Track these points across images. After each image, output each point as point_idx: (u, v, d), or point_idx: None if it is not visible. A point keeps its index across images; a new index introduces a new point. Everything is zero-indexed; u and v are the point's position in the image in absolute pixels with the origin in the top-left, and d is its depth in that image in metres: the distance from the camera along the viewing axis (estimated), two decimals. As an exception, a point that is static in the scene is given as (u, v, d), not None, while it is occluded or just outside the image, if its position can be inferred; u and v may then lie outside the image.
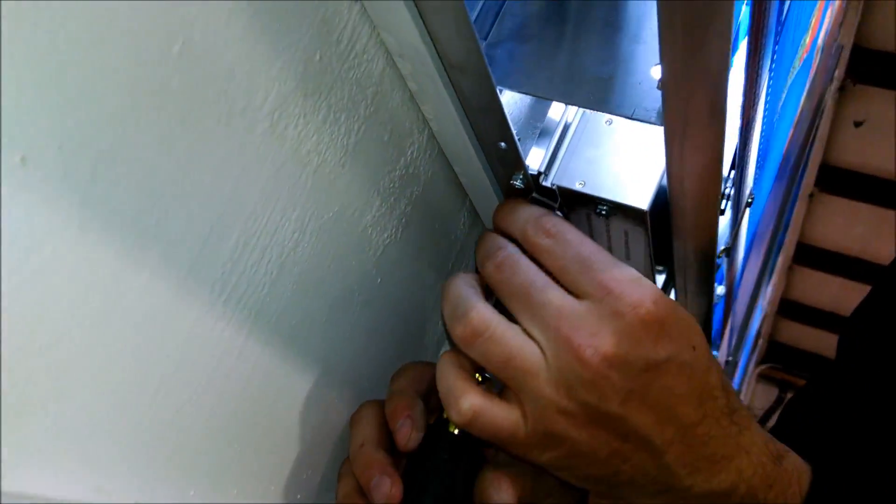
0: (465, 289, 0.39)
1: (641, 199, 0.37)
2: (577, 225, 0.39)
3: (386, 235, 0.42)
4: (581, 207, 0.40)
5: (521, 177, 0.40)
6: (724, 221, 0.49)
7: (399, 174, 0.41)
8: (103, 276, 0.25)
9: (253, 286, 0.33)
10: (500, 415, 0.37)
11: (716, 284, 0.59)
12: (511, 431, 0.37)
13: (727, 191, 0.41)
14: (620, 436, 0.36)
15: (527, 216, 0.39)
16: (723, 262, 0.56)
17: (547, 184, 0.39)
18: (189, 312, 0.30)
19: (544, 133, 0.40)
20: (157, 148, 0.26)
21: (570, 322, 0.35)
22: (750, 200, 0.50)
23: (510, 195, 0.41)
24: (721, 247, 0.51)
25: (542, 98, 0.39)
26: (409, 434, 0.40)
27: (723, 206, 0.42)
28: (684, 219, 0.40)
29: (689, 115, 0.30)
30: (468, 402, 0.37)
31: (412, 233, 0.44)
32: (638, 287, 0.35)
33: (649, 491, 0.38)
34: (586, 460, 0.37)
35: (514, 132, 0.36)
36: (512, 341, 0.37)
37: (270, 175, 0.31)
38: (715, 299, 0.61)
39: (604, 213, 0.39)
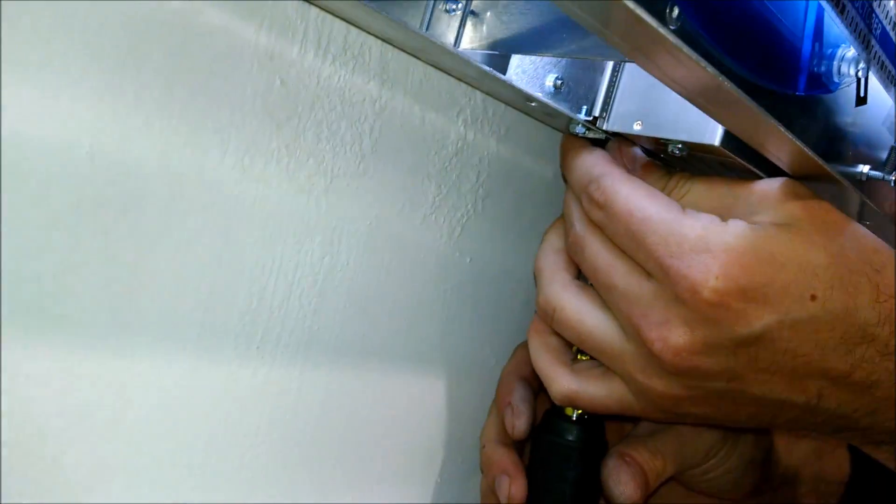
0: (547, 260, 0.36)
1: (710, 132, 0.29)
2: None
3: (460, 214, 0.38)
4: (652, 148, 0.33)
5: (578, 125, 0.34)
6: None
7: (454, 148, 0.37)
8: (115, 383, 0.26)
9: (290, 324, 0.32)
10: (600, 393, 0.34)
11: None
12: (621, 406, 0.34)
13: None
14: (751, 401, 0.32)
15: (581, 181, 0.33)
16: None
17: (605, 128, 0.32)
18: (220, 375, 0.30)
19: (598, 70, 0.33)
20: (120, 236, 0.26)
21: (638, 308, 0.31)
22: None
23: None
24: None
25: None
26: (512, 423, 0.38)
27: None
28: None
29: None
30: (561, 386, 0.34)
31: (494, 201, 0.40)
32: (699, 261, 0.29)
33: (827, 430, 0.34)
34: (727, 419, 0.34)
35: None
36: (587, 321, 0.33)
37: (263, 218, 0.30)
38: None
39: (677, 152, 0.31)
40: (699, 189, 0.33)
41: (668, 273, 0.29)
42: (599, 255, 0.32)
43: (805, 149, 0.29)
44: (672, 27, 0.23)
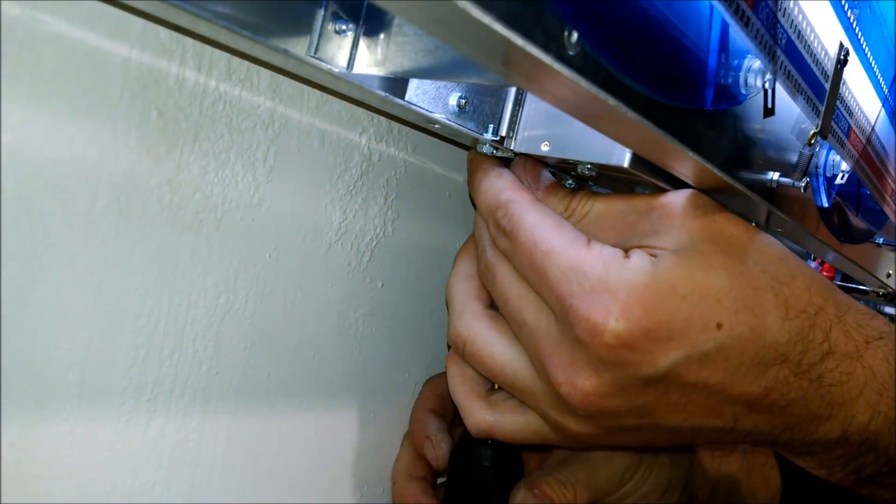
0: (458, 288, 0.34)
1: (619, 154, 0.28)
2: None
3: (368, 239, 0.36)
4: (561, 170, 0.32)
5: (485, 144, 0.32)
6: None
7: (359, 171, 0.35)
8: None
9: (184, 371, 0.30)
10: (516, 426, 0.33)
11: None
12: (538, 438, 0.33)
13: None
14: (667, 430, 0.31)
15: (488, 205, 0.31)
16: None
17: (512, 147, 0.31)
18: (106, 435, 0.27)
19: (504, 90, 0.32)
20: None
21: (546, 347, 0.30)
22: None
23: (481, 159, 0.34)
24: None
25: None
26: (435, 455, 0.36)
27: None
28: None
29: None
30: (477, 419, 0.33)
31: (405, 222, 0.38)
32: (599, 301, 0.27)
33: (747, 443, 0.34)
34: (645, 445, 0.33)
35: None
36: (497, 356, 0.32)
37: (146, 262, 0.27)
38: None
39: (586, 172, 0.30)
40: (600, 208, 0.31)
41: (569, 313, 0.28)
42: (509, 286, 0.31)
43: (711, 167, 0.28)
44: (571, 52, 0.21)
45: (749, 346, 0.29)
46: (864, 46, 0.42)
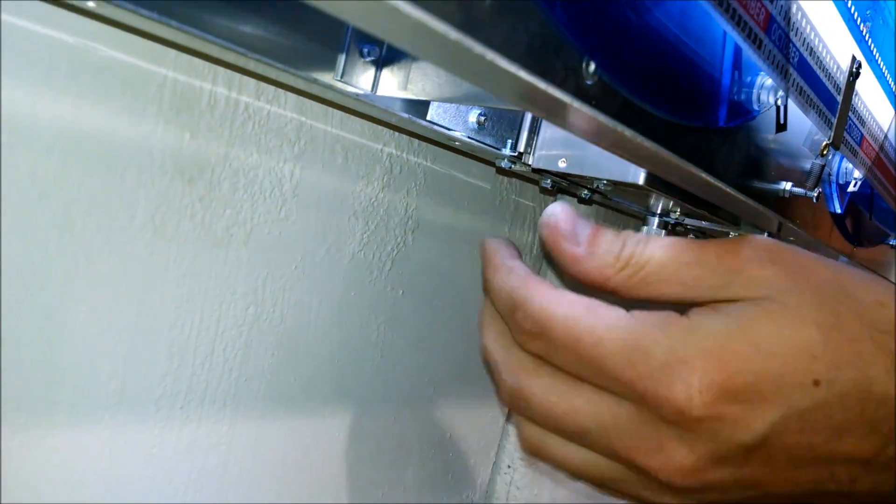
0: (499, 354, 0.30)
1: (634, 172, 0.29)
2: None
3: (389, 249, 0.37)
4: (576, 183, 0.33)
5: (504, 159, 0.33)
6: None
7: (380, 184, 0.36)
8: (29, 463, 0.25)
9: (215, 379, 0.31)
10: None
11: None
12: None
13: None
14: (778, 498, 0.28)
15: (505, 308, 0.28)
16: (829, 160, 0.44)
17: (530, 163, 0.32)
18: (143, 440, 0.29)
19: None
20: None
21: (624, 441, 0.27)
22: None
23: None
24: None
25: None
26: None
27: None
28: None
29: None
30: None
31: (425, 232, 0.39)
32: (676, 377, 0.25)
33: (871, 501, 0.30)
34: None
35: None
36: (572, 460, 0.29)
37: (180, 277, 0.28)
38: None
39: (602, 187, 0.31)
40: (661, 259, 0.27)
41: (646, 397, 0.25)
42: (552, 400, 0.27)
43: (723, 186, 0.29)
44: (589, 82, 0.22)
45: (854, 401, 0.26)
46: (876, 57, 0.42)
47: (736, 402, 0.25)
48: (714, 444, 0.25)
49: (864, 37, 0.39)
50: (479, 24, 0.17)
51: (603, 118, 0.20)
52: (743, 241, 0.28)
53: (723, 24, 0.25)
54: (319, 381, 0.36)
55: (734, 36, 0.26)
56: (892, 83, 0.47)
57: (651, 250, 0.27)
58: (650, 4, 0.24)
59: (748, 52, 0.27)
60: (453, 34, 0.14)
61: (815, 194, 0.38)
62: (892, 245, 0.69)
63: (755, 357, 0.25)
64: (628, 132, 0.21)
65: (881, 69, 0.44)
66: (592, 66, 0.22)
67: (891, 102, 0.48)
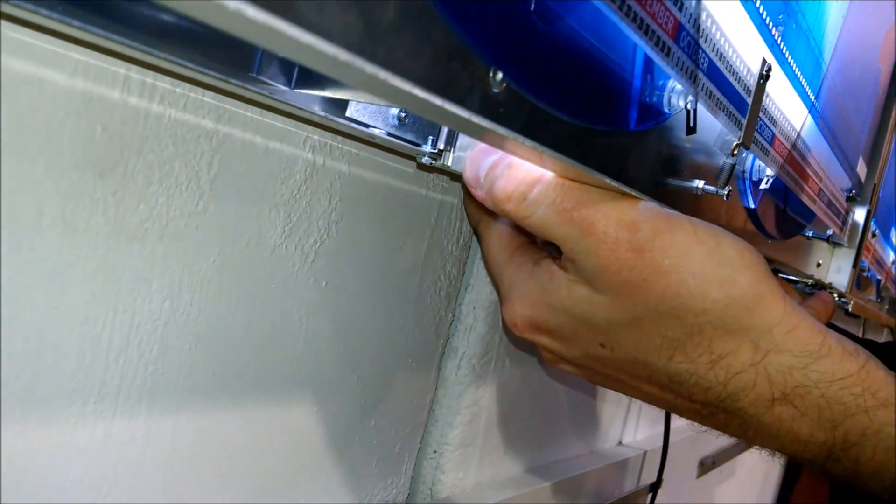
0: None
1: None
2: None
3: (312, 241, 0.38)
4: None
5: (424, 156, 0.34)
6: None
7: (302, 176, 0.36)
8: None
9: (130, 373, 0.31)
10: None
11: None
12: None
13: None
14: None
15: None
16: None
17: (448, 163, 0.33)
18: (55, 437, 0.28)
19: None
20: None
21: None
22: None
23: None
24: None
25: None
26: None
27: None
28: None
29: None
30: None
31: (349, 223, 0.39)
32: (507, 305, 0.36)
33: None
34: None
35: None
36: None
37: (91, 272, 0.28)
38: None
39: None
40: (540, 217, 0.34)
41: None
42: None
43: (630, 190, 0.30)
44: (496, 90, 0.23)
45: (631, 364, 0.34)
46: (789, 59, 0.44)
47: (545, 335, 0.35)
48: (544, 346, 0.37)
49: (776, 40, 0.41)
50: (378, 39, 0.17)
51: (503, 131, 0.21)
52: (601, 211, 0.31)
53: (630, 33, 0.26)
54: (239, 374, 0.36)
55: (642, 45, 0.27)
56: (806, 84, 0.49)
57: (533, 201, 0.32)
58: (559, 12, 0.24)
59: (657, 60, 0.28)
60: (343, 56, 0.15)
61: (726, 192, 0.39)
62: (808, 236, 0.72)
63: (559, 316, 0.34)
64: (528, 142, 0.22)
65: (794, 70, 0.46)
66: (500, 75, 0.23)
67: (804, 102, 0.50)
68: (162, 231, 0.30)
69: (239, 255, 0.34)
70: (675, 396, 0.34)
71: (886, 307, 1.87)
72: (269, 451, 0.38)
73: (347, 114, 0.30)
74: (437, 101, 0.18)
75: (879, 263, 1.28)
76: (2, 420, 0.26)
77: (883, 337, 2.64)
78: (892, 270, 1.47)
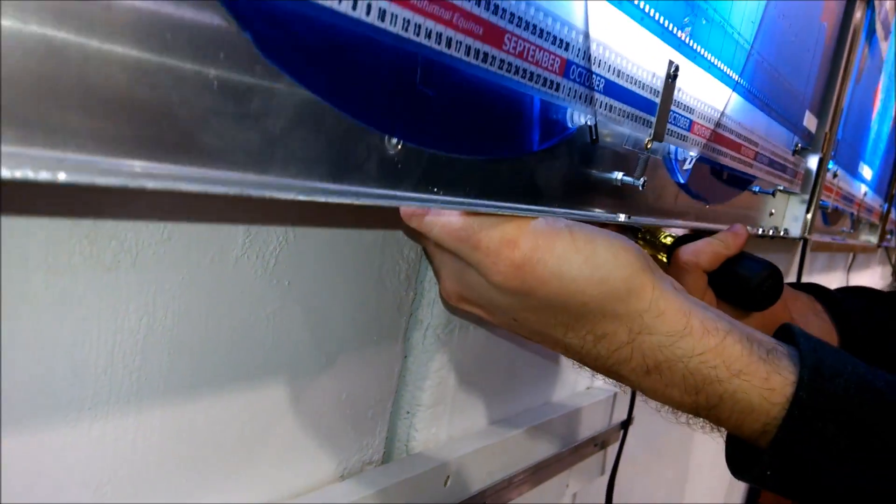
0: None
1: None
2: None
3: (272, 247, 0.42)
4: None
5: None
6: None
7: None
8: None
9: (118, 380, 0.36)
10: None
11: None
12: None
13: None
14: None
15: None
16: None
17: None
18: (56, 439, 0.34)
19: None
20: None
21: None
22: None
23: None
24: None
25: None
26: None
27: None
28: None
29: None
30: None
31: (308, 225, 0.44)
32: (441, 284, 0.44)
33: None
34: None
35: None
36: None
37: (76, 302, 0.33)
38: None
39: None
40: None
41: None
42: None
43: (542, 210, 0.34)
44: (392, 152, 0.27)
45: (538, 336, 0.42)
46: (703, 53, 0.48)
47: (471, 304, 0.43)
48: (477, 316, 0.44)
49: (685, 40, 0.45)
50: (274, 158, 0.22)
51: (384, 202, 0.25)
52: (485, 231, 0.37)
53: (516, 85, 0.30)
54: (216, 370, 0.41)
55: (529, 91, 0.31)
56: (726, 68, 0.53)
57: (428, 222, 0.38)
58: (443, 79, 0.28)
59: (546, 98, 0.32)
60: (235, 190, 0.19)
61: (641, 182, 0.44)
62: (754, 192, 0.77)
63: (476, 292, 0.40)
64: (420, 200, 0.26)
65: (709, 60, 0.50)
66: (395, 140, 0.27)
67: (726, 84, 0.54)
68: (134, 261, 0.35)
69: (205, 272, 0.39)
70: (582, 358, 0.41)
71: (865, 232, 1.92)
72: (252, 433, 0.44)
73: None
74: (332, 186, 0.23)
75: (848, 199, 1.33)
76: (2, 428, 0.32)
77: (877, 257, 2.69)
78: (865, 201, 1.52)
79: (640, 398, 0.94)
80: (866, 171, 1.46)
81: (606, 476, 0.92)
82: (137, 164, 0.18)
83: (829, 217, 1.28)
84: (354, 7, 0.22)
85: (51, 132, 0.17)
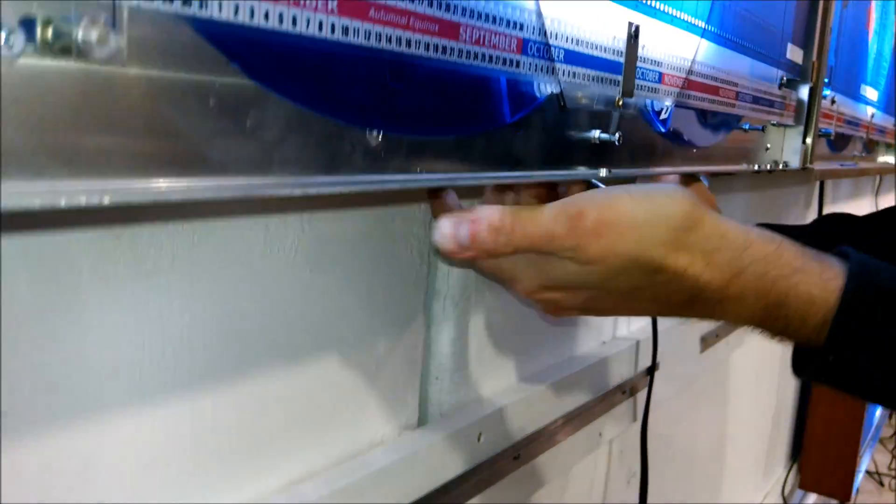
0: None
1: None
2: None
3: (290, 241, 0.47)
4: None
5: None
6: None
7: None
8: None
9: (170, 371, 0.41)
10: None
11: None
12: None
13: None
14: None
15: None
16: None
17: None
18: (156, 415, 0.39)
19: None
20: None
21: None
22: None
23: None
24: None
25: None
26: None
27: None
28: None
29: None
30: None
31: (321, 216, 0.49)
32: (515, 281, 0.46)
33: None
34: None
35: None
36: None
37: (126, 308, 0.38)
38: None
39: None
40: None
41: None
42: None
43: (524, 175, 0.39)
44: (373, 144, 0.32)
45: (631, 293, 0.45)
46: (663, 8, 0.51)
47: (553, 291, 0.46)
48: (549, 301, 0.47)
49: (642, 0, 0.48)
50: (273, 162, 0.26)
51: (379, 177, 0.30)
52: (554, 219, 0.42)
53: (475, 70, 0.34)
54: (252, 359, 0.46)
55: (490, 71, 0.35)
56: (690, 18, 0.56)
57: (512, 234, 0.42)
58: (412, 74, 0.33)
59: (509, 75, 0.36)
60: (241, 193, 0.24)
61: (616, 138, 0.48)
62: (745, 129, 0.80)
63: (565, 280, 0.44)
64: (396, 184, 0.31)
65: (671, 14, 0.53)
66: (375, 132, 0.32)
67: (693, 33, 0.57)
68: (171, 265, 0.40)
69: (233, 268, 0.44)
70: (663, 306, 0.46)
71: (882, 153, 1.92)
72: (294, 411, 0.49)
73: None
74: (322, 179, 0.27)
75: (853, 123, 1.34)
76: (77, 419, 0.37)
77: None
78: (874, 123, 1.52)
79: (669, 341, 0.98)
80: (871, 93, 1.47)
81: (639, 423, 0.96)
82: (163, 182, 0.23)
83: (836, 143, 1.29)
84: (320, 29, 0.26)
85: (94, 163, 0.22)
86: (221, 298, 0.43)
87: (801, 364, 0.49)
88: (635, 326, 0.99)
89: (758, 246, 0.44)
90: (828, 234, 0.69)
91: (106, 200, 0.21)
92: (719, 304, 0.45)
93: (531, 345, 0.76)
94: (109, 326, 0.38)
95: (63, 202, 0.20)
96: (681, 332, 1.08)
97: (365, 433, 0.56)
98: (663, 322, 0.94)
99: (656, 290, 0.44)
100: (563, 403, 0.77)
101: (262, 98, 0.26)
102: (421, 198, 0.57)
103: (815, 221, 0.74)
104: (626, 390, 0.90)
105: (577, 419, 0.79)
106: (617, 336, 0.93)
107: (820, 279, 0.44)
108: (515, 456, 0.69)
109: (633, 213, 0.42)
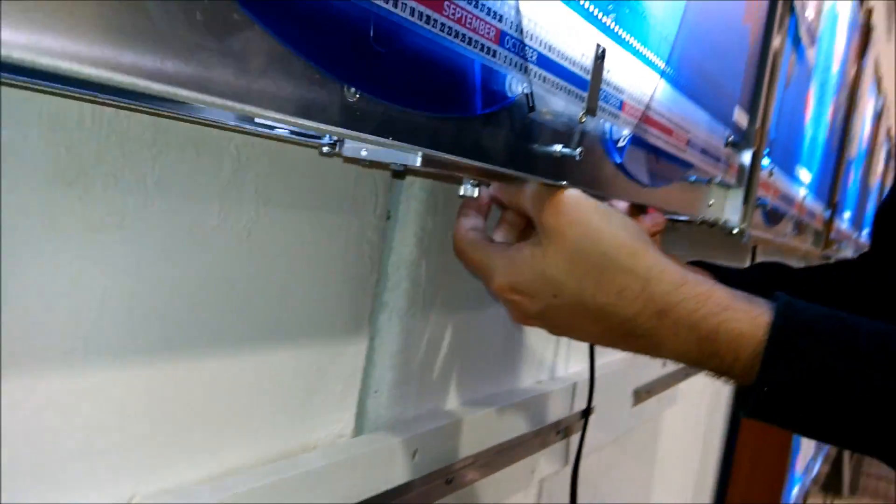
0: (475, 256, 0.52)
1: (412, 157, 0.39)
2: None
3: (245, 221, 0.46)
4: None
5: (323, 147, 0.42)
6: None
7: (231, 169, 0.44)
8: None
9: (105, 333, 0.39)
10: None
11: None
12: None
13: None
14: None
15: None
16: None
17: (343, 153, 0.41)
18: (58, 382, 0.37)
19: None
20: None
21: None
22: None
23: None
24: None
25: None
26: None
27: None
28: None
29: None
30: None
31: (276, 202, 0.48)
32: (488, 278, 0.50)
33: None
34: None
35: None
36: None
37: (70, 260, 0.37)
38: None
39: (399, 168, 0.41)
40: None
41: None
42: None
43: (483, 166, 0.39)
44: (351, 100, 0.32)
45: (576, 308, 0.47)
46: (628, 39, 0.54)
47: (518, 294, 0.49)
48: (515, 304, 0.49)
49: (610, 26, 0.50)
50: (251, 91, 0.26)
51: (360, 134, 0.30)
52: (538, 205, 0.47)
53: (457, 47, 0.35)
54: (190, 337, 0.44)
55: (467, 52, 0.36)
56: (652, 55, 0.59)
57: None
58: (395, 37, 0.33)
59: (485, 61, 0.37)
60: (221, 101, 0.23)
61: (577, 153, 0.49)
62: (690, 181, 0.82)
63: (528, 280, 0.48)
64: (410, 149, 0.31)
65: (635, 47, 0.55)
66: (353, 89, 0.32)
67: (654, 70, 0.60)
68: (120, 223, 0.39)
69: (183, 238, 0.43)
70: (605, 329, 0.49)
71: (811, 239, 2.00)
72: (228, 400, 0.47)
73: (256, 120, 0.39)
74: (303, 121, 0.27)
75: (788, 200, 1.40)
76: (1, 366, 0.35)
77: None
78: (805, 205, 1.60)
79: (604, 388, 0.99)
80: (804, 175, 1.54)
81: (570, 467, 0.95)
82: (140, 82, 0.22)
83: (770, 216, 1.35)
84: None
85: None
86: (164, 268, 0.42)
87: (741, 402, 0.50)
88: (573, 370, 0.99)
89: (691, 285, 0.47)
90: (761, 281, 0.71)
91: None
92: (655, 336, 0.47)
93: (474, 371, 0.76)
94: (48, 277, 0.36)
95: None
96: (615, 381, 1.09)
97: (298, 436, 0.55)
98: (600, 369, 0.95)
99: (599, 308, 0.47)
100: (500, 432, 0.76)
101: (248, 25, 0.26)
102: (381, 189, 0.57)
103: (751, 267, 0.77)
104: (561, 430, 0.90)
105: (511, 451, 0.78)
106: (555, 376, 0.94)
107: (748, 316, 0.46)
108: (448, 480, 0.67)
109: (591, 215, 0.46)
